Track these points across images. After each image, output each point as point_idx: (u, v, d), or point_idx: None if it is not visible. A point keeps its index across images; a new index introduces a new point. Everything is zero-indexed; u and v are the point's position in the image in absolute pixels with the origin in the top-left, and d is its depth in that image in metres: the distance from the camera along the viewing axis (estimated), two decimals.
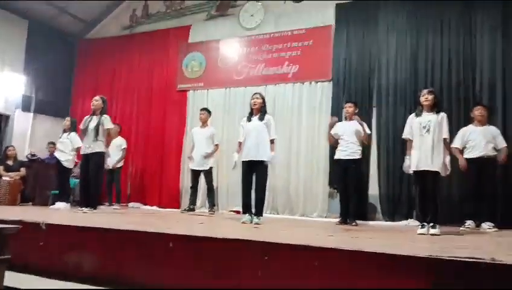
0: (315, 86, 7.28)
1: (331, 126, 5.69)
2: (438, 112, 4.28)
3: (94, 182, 5.68)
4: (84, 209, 5.50)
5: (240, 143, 5.00)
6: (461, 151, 5.31)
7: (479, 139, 5.24)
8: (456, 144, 5.28)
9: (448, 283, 2.02)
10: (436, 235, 3.90)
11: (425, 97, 4.30)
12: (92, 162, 5.65)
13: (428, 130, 4.18)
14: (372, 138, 6.61)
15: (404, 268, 2.12)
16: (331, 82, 7.06)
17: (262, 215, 4.88)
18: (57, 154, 6.59)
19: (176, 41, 8.60)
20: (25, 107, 8.73)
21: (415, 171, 4.26)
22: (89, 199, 5.64)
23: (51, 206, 6.36)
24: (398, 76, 6.57)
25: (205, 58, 8.26)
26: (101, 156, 5.76)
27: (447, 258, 2.08)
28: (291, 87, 7.46)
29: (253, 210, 4.82)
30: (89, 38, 9.72)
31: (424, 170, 4.16)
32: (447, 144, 4.37)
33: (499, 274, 1.95)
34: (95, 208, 5.61)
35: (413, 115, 4.44)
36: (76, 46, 9.77)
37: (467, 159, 5.30)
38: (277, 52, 7.62)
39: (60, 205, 6.20)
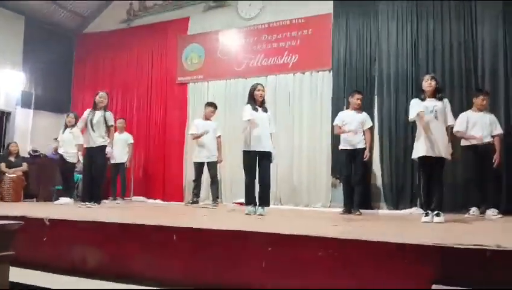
0: (316, 75, 7.23)
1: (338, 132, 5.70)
2: (440, 99, 4.26)
3: (98, 177, 5.70)
4: (88, 204, 5.51)
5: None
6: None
7: (479, 126, 5.22)
8: (461, 128, 5.23)
9: (453, 271, 2.02)
10: (440, 223, 3.88)
11: (429, 83, 4.27)
12: (95, 157, 5.66)
13: (436, 116, 4.15)
14: (374, 127, 6.58)
15: (408, 257, 2.12)
16: (331, 71, 7.00)
17: (268, 205, 4.87)
18: (60, 150, 6.60)
19: (174, 34, 8.53)
20: (25, 104, 8.69)
21: (421, 158, 4.20)
22: (93, 193, 5.64)
23: (55, 202, 6.38)
24: (399, 64, 6.51)
25: (204, 50, 8.20)
26: (104, 151, 5.75)
27: (452, 246, 2.07)
28: (292, 77, 7.40)
29: (257, 201, 4.80)
30: (86, 33, 9.64)
31: (432, 157, 4.11)
32: (450, 129, 4.39)
33: (505, 261, 1.94)
34: (98, 203, 5.62)
35: (416, 99, 4.37)
36: (74, 41, 9.70)
37: (467, 146, 5.28)
38: (276, 42, 7.56)
39: (64, 200, 6.21)
